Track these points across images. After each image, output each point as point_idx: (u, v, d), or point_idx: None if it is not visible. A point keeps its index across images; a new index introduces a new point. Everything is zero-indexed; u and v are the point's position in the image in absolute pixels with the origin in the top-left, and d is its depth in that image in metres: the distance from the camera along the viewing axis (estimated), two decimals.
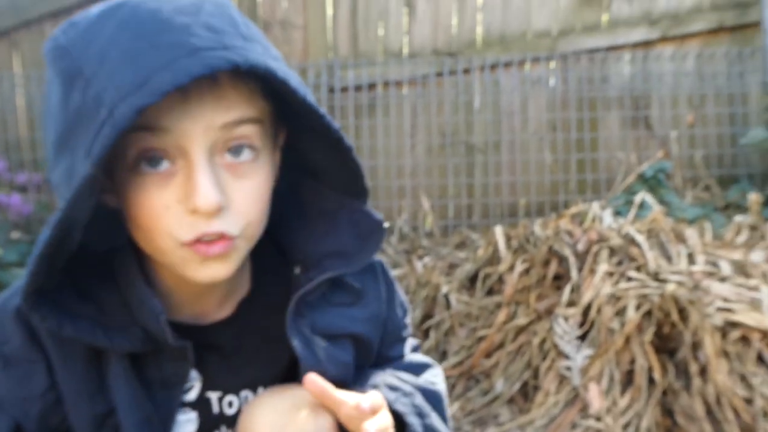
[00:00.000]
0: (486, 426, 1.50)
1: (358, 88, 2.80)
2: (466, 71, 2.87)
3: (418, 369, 0.78)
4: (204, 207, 0.55)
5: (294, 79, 0.57)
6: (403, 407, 0.67)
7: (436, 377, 0.78)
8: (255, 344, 0.69)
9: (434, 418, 0.70)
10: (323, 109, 0.60)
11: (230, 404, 0.69)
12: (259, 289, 0.70)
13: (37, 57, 2.75)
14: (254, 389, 0.71)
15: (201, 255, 0.58)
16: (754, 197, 1.88)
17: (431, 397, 0.73)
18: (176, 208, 0.56)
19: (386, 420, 0.64)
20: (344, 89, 2.79)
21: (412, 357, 0.80)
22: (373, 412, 0.61)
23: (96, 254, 0.64)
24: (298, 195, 0.69)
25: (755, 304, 1.46)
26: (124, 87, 0.51)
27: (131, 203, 0.57)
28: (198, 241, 0.57)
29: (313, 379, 0.61)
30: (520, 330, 1.65)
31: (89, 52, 0.53)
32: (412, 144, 2.89)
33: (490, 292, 1.83)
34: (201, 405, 0.67)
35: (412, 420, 0.67)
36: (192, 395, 0.67)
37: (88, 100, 0.52)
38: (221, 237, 0.57)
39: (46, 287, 0.58)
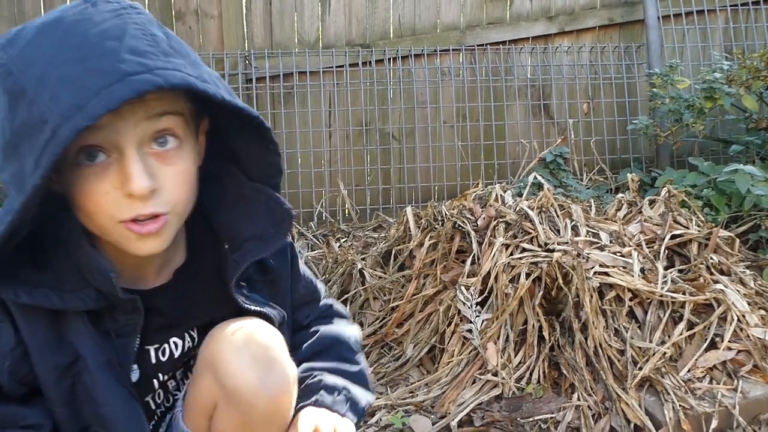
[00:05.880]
0: (397, 386, 1.64)
1: (274, 78, 2.87)
2: (380, 62, 3.00)
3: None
4: (137, 192, 0.66)
5: (211, 87, 0.67)
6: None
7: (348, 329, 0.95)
8: (189, 305, 0.81)
9: (354, 391, 0.86)
10: (240, 101, 0.71)
11: (163, 352, 0.81)
12: (193, 260, 0.82)
13: None
14: (182, 337, 0.82)
15: (136, 233, 0.68)
16: (632, 177, 2.11)
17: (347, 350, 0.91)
18: (114, 194, 0.67)
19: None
20: (261, 79, 2.85)
21: (326, 328, 0.94)
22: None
23: (44, 228, 0.73)
24: (221, 181, 0.81)
25: (628, 268, 1.67)
26: (65, 109, 0.60)
27: (75, 191, 0.68)
28: (134, 220, 0.68)
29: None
30: (428, 300, 1.80)
31: (29, 72, 0.62)
32: (329, 132, 2.99)
33: (401, 267, 1.97)
34: (141, 357, 0.79)
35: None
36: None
37: (33, 117, 0.61)
38: (154, 217, 0.68)
39: (3, 265, 0.68)
